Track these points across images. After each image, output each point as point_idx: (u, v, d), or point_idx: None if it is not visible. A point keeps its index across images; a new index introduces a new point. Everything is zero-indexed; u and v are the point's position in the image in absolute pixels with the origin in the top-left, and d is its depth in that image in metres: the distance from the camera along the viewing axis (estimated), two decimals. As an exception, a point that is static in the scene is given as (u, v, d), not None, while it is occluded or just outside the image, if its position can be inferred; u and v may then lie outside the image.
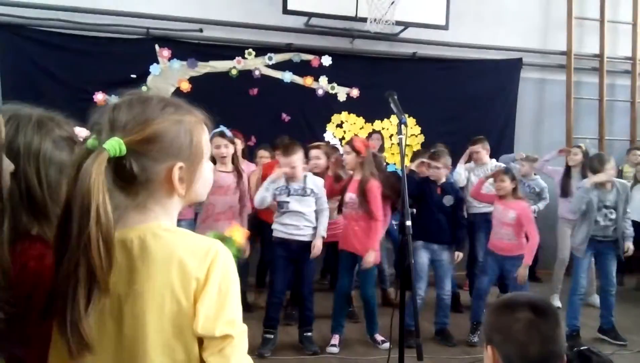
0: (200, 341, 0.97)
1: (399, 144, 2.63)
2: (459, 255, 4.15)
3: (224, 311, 0.96)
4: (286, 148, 3.81)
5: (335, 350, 3.81)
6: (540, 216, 5.78)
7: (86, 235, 0.88)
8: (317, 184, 3.85)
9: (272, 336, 3.77)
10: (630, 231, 4.17)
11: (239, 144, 4.70)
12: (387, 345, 3.64)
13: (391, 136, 6.01)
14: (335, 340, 3.86)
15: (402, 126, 2.67)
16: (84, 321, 0.89)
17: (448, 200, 4.09)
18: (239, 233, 1.32)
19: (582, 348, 2.29)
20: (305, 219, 3.78)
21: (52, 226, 1.20)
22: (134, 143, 0.95)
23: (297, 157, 3.78)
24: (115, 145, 0.93)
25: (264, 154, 4.92)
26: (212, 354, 0.96)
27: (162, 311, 0.95)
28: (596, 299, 4.66)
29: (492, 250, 4.14)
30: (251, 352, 3.27)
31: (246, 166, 4.63)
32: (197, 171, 1.04)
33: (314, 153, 4.33)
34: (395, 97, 2.86)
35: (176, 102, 1.05)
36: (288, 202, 3.76)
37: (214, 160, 3.77)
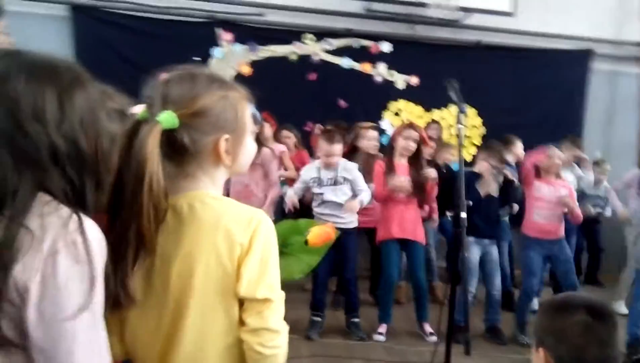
0: (241, 304, 1.03)
1: (458, 134, 2.55)
2: None
3: (265, 276, 1.02)
4: (330, 136, 3.78)
5: (381, 338, 3.80)
6: (604, 217, 5.53)
7: (139, 201, 0.94)
8: (349, 169, 3.79)
9: (319, 319, 3.80)
10: None
11: (268, 128, 4.70)
12: (434, 338, 3.59)
13: (450, 126, 5.86)
14: (383, 328, 3.85)
15: (462, 115, 2.60)
16: (130, 277, 0.95)
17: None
18: (318, 234, 1.37)
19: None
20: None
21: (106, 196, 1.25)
22: (185, 116, 1.01)
23: (339, 147, 3.76)
24: (169, 118, 0.99)
25: (288, 135, 4.92)
26: (251, 315, 1.03)
27: (208, 273, 1.01)
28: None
29: (536, 238, 3.92)
30: (300, 333, 3.33)
31: (275, 146, 4.57)
32: (242, 144, 1.11)
33: (372, 134, 4.26)
34: (456, 85, 2.78)
35: (221, 78, 1.12)
36: (322, 194, 3.74)
37: None
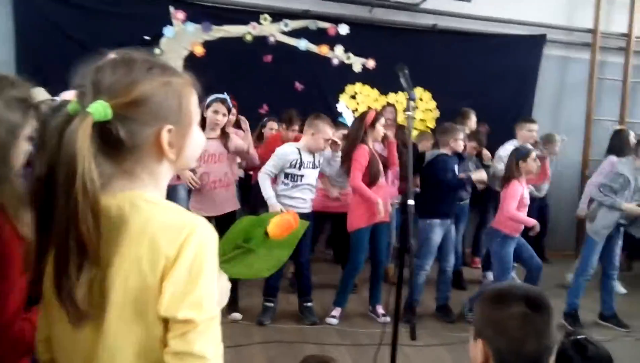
0: (167, 322, 0.93)
1: (407, 119, 2.58)
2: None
3: (191, 293, 0.90)
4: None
5: (334, 321, 3.86)
6: (553, 195, 5.73)
7: (72, 203, 0.86)
8: (324, 155, 3.91)
9: (272, 304, 3.82)
10: None
11: (233, 116, 4.64)
12: (387, 319, 3.67)
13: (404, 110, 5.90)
14: (337, 312, 3.91)
15: (411, 102, 2.61)
16: (76, 289, 0.88)
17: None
18: (278, 224, 1.28)
19: (579, 337, 2.26)
20: (311, 191, 3.80)
21: (4, 188, 1.18)
22: (120, 106, 0.91)
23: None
24: (100, 109, 0.89)
25: (273, 126, 4.88)
26: (175, 337, 0.91)
27: (127, 287, 0.91)
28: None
29: (512, 235, 3.90)
30: (251, 319, 3.32)
31: (235, 132, 4.53)
32: (187, 135, 1.01)
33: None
34: (406, 71, 2.78)
35: (162, 63, 1.00)
36: (302, 175, 3.74)
37: (203, 125, 3.73)
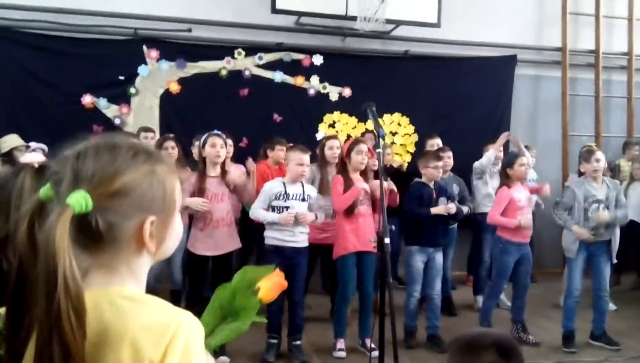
0: None
1: (377, 158, 2.58)
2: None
3: None
4: (301, 146, 3.88)
5: (342, 354, 3.79)
6: (538, 213, 5.76)
7: (55, 307, 0.79)
8: (313, 189, 3.90)
9: (275, 341, 3.75)
10: (620, 215, 3.97)
11: (231, 147, 4.67)
12: (376, 353, 3.59)
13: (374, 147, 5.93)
14: (341, 343, 3.84)
15: (380, 139, 2.63)
16: None
17: (442, 202, 4.06)
18: (270, 289, 1.25)
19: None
20: (301, 224, 3.74)
21: None
22: (102, 197, 0.85)
23: (308, 157, 3.79)
24: (81, 200, 0.83)
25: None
26: None
27: None
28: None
29: (515, 242, 4.00)
30: (254, 357, 3.20)
31: (235, 168, 4.57)
32: (169, 225, 0.94)
33: (334, 143, 4.35)
34: (374, 108, 2.80)
35: (147, 149, 0.95)
36: (288, 207, 3.70)
37: (204, 164, 3.72)
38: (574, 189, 4.01)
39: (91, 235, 0.86)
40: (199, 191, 3.63)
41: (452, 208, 4.04)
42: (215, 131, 3.75)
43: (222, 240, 3.69)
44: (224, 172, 3.76)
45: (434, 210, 4.00)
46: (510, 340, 1.26)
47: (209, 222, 3.66)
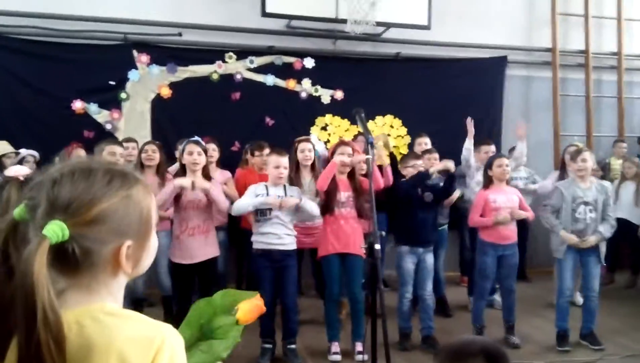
0: None
1: (367, 163, 2.59)
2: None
3: None
4: (278, 149, 3.84)
5: (338, 357, 3.77)
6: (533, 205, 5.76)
7: (35, 339, 0.79)
8: (294, 190, 3.84)
9: (270, 345, 3.73)
10: (604, 231, 3.96)
11: (216, 152, 4.63)
12: (365, 357, 3.58)
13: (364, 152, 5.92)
14: (336, 347, 3.81)
15: (370, 146, 2.64)
16: None
17: (428, 196, 4.07)
18: (249, 311, 1.26)
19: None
20: (286, 227, 3.73)
21: None
22: (79, 226, 0.86)
23: (287, 159, 3.77)
24: (57, 231, 0.83)
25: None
26: None
27: None
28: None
29: (493, 243, 4.03)
30: (250, 362, 3.15)
31: (220, 174, 4.55)
32: (145, 246, 0.96)
33: (307, 145, 4.29)
34: (363, 115, 2.80)
35: (122, 171, 0.94)
36: (270, 210, 3.69)
37: (183, 170, 3.70)
38: (562, 190, 4.01)
39: (68, 261, 0.87)
40: (175, 198, 3.62)
41: (451, 165, 4.09)
42: (194, 138, 3.74)
43: (196, 249, 3.66)
44: (207, 178, 3.73)
45: (431, 170, 4.07)
46: (498, 346, 1.24)
47: (184, 229, 3.65)
